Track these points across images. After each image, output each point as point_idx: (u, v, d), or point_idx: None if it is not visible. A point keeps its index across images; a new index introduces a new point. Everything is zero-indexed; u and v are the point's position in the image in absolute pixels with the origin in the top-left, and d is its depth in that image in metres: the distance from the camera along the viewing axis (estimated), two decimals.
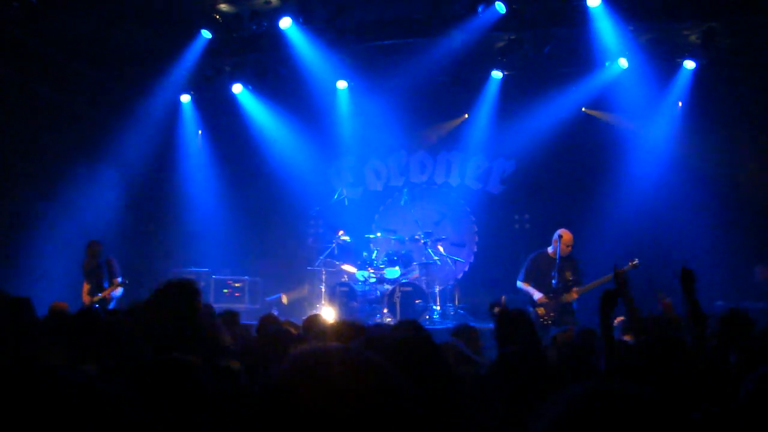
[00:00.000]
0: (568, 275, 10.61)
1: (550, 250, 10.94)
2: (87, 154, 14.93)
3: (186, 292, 4.85)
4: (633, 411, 1.54)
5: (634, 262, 10.03)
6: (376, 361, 1.72)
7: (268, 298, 15.58)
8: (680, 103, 14.38)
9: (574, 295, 10.48)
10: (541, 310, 10.56)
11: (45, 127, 14.10)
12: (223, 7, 13.09)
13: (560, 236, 10.70)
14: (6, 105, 13.02)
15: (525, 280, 11.07)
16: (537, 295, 10.70)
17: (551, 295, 10.58)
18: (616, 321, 6.96)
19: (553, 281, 10.50)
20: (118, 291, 12.40)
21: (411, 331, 4.12)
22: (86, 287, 12.38)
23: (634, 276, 10.75)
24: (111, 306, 12.31)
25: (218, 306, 13.22)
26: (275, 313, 12.69)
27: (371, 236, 14.88)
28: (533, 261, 11.15)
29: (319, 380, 1.63)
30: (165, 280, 5.04)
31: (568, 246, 10.72)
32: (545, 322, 10.38)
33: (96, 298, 12.20)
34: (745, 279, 12.66)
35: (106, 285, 12.32)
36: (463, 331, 6.71)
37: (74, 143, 14.81)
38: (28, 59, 13.27)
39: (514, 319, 6.14)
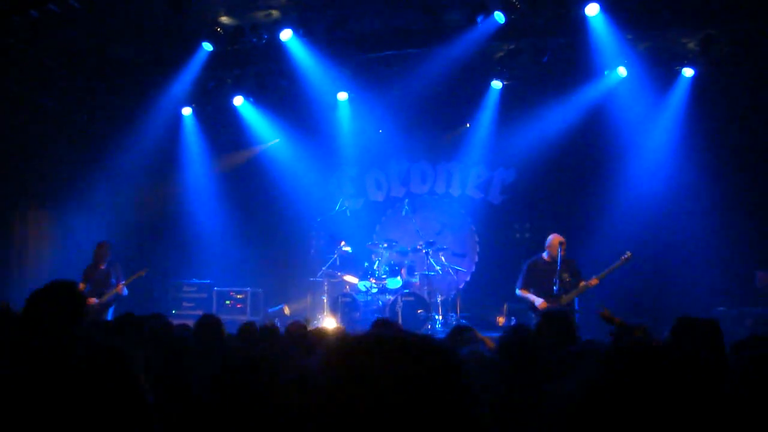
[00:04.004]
0: (566, 277, 10.76)
1: (545, 255, 11.09)
2: (88, 166, 14.97)
3: (66, 294, 4.74)
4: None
5: (626, 256, 10.46)
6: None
7: (270, 310, 15.59)
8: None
9: (595, 282, 10.64)
10: None
11: (46, 139, 14.18)
12: (224, 19, 13.13)
13: (561, 242, 10.84)
14: (8, 116, 13.09)
15: (524, 288, 11.16)
16: (538, 302, 10.78)
17: (552, 299, 10.65)
18: None
19: (554, 287, 10.60)
20: (123, 291, 12.65)
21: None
22: (82, 287, 12.49)
23: (630, 271, 10.97)
24: (111, 309, 12.57)
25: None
26: (277, 323, 12.75)
27: (372, 246, 14.92)
28: (531, 268, 11.26)
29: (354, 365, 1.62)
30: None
31: (564, 250, 10.88)
32: None
33: (104, 297, 12.49)
34: (746, 285, 12.67)
35: (109, 289, 12.59)
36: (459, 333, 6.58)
37: (75, 155, 14.87)
38: (31, 71, 13.34)
39: (556, 320, 6.17)
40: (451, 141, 16.34)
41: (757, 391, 2.94)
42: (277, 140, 16.67)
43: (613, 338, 6.68)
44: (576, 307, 10.89)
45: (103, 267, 12.80)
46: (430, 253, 14.40)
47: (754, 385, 2.97)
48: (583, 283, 10.77)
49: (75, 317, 4.68)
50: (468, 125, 16.07)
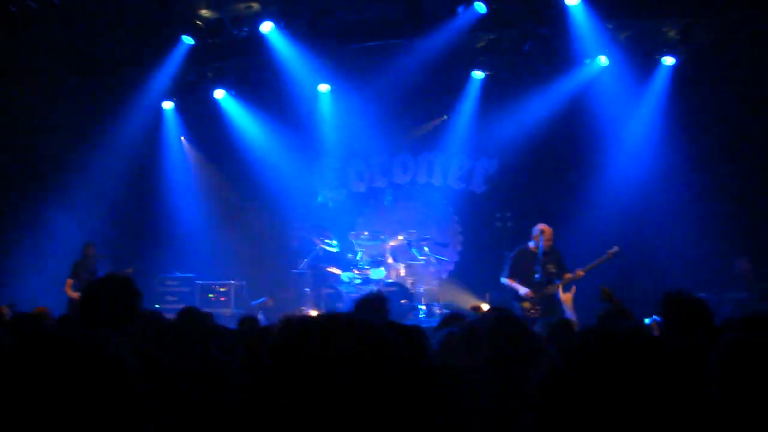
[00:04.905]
0: (551, 268, 10.79)
1: (531, 245, 11.11)
2: (69, 161, 14.90)
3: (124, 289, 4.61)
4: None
5: (613, 250, 10.52)
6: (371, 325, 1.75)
7: (253, 302, 15.54)
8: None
9: (581, 274, 10.68)
10: (527, 305, 10.67)
11: (26, 134, 14.09)
12: (205, 12, 13.10)
13: (542, 231, 10.88)
14: None
15: (509, 277, 11.19)
16: (523, 291, 10.80)
17: (535, 288, 10.71)
18: None
19: (536, 275, 10.64)
20: None
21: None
22: (70, 282, 12.65)
23: (615, 263, 11.03)
24: None
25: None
26: (260, 317, 12.74)
27: (355, 237, 14.95)
28: (516, 257, 11.28)
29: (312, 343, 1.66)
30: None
31: (549, 240, 10.91)
32: (532, 316, 10.52)
33: None
34: (725, 271, 12.79)
35: None
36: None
37: (55, 150, 14.78)
38: (11, 67, 13.27)
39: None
40: (433, 131, 16.31)
41: (739, 377, 2.96)
42: None
43: (599, 321, 6.68)
44: (558, 297, 10.92)
45: (92, 263, 12.86)
46: (413, 243, 14.43)
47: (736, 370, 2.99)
48: (568, 275, 10.81)
49: (130, 314, 4.55)
50: (446, 116, 16.08)
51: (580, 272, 10.79)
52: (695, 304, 5.54)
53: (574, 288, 10.09)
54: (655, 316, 7.76)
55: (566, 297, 9.79)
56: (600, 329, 1.72)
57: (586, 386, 1.58)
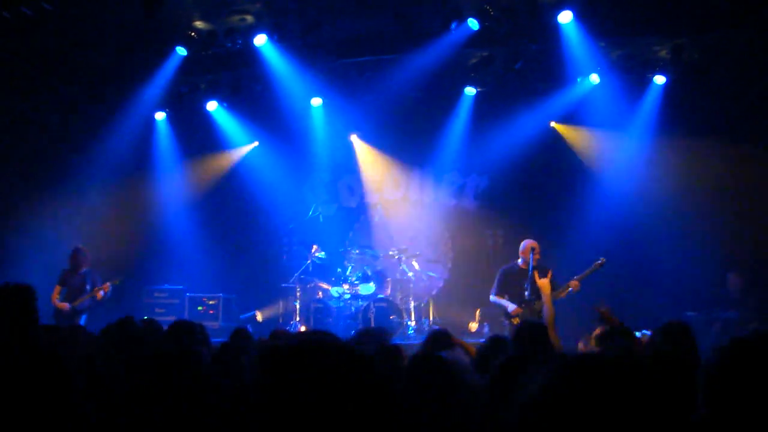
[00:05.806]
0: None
1: (520, 262, 11.09)
2: (60, 172, 14.86)
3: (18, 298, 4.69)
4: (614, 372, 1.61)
5: (599, 262, 10.44)
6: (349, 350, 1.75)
7: (242, 316, 15.52)
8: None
9: (575, 284, 10.54)
10: (516, 321, 10.61)
11: (17, 144, 14.05)
12: (199, 24, 13.08)
13: (532, 247, 10.83)
14: None
15: (498, 294, 11.16)
16: (511, 307, 10.77)
17: (524, 305, 10.67)
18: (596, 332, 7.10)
19: (526, 292, 10.60)
20: (109, 290, 12.69)
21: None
22: (58, 289, 12.61)
23: (601, 276, 10.98)
24: (84, 316, 12.55)
25: None
26: (249, 329, 12.69)
27: (345, 252, 14.92)
28: (505, 274, 11.26)
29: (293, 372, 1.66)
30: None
31: (537, 256, 10.87)
32: None
33: (77, 302, 12.51)
34: (715, 289, 12.80)
35: (83, 295, 12.62)
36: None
37: (47, 161, 14.75)
38: (2, 74, 13.23)
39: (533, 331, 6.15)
40: (424, 147, 16.26)
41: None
42: (256, 143, 16.63)
43: (599, 342, 6.62)
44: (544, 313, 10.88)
45: (80, 272, 12.81)
46: (403, 258, 14.41)
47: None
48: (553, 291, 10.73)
49: (27, 323, 4.61)
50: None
51: (574, 283, 10.65)
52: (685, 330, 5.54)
53: (550, 272, 10.10)
54: (645, 330, 7.78)
55: (543, 282, 9.77)
56: (578, 357, 1.71)
57: (565, 415, 1.58)
